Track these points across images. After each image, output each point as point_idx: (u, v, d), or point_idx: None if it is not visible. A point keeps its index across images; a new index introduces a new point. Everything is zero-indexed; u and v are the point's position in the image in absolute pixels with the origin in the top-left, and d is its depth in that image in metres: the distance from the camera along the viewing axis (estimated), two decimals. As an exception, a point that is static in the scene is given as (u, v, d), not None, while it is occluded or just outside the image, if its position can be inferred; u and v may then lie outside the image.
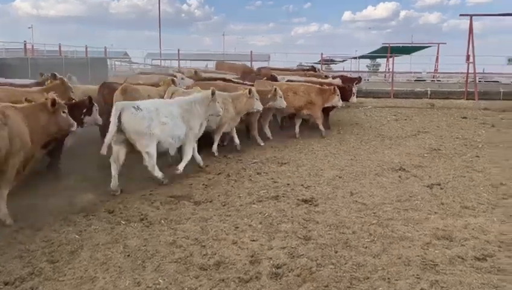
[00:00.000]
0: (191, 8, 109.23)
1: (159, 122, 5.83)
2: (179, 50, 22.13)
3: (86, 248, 4.06)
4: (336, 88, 9.83)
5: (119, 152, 5.68)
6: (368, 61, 49.54)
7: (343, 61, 39.97)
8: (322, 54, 23.60)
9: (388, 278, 3.55)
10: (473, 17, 18.77)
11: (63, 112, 5.17)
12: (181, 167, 6.27)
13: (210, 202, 5.39)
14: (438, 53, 28.45)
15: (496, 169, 7.12)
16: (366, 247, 4.13)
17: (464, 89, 19.09)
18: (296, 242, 4.21)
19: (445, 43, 29.15)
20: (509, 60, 20.58)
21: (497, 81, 23.27)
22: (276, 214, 4.95)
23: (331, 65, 39.84)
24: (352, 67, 36.47)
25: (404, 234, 4.43)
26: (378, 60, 47.36)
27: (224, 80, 10.21)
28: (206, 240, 4.24)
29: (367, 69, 45.29)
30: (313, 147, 8.69)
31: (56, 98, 5.09)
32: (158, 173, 5.90)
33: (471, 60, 18.22)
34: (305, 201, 5.41)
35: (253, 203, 5.33)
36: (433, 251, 4.04)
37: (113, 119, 5.55)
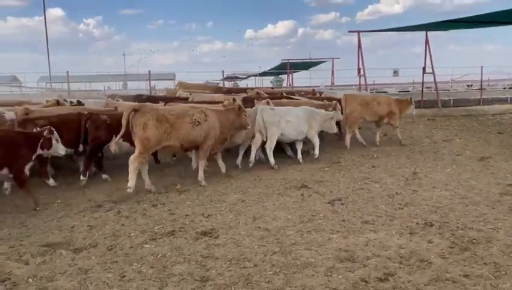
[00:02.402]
0: (89, 28, 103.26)
1: (285, 120, 8.27)
2: (68, 72, 20.41)
3: None
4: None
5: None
6: (271, 77, 51.24)
7: (247, 77, 40.76)
8: (223, 71, 23.62)
9: (292, 317, 3.23)
10: (361, 33, 20.19)
11: (244, 115, 7.49)
12: (316, 151, 8.83)
13: (94, 247, 4.65)
14: (333, 67, 30.29)
15: (390, 178, 7.38)
16: (269, 281, 3.78)
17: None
18: (192, 286, 3.72)
19: (339, 58, 31.11)
20: (394, 72, 22.59)
21: (386, 92, 25.36)
22: (171, 254, 4.40)
23: (237, 81, 40.38)
24: (257, 83, 37.32)
25: (307, 260, 4.18)
26: (281, 76, 49.18)
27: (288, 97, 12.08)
28: (83, 299, 3.55)
29: (271, 85, 46.73)
30: (214, 169, 8.28)
31: (241, 105, 7.67)
32: (271, 158, 8.23)
33: (361, 73, 19.51)
34: (205, 234, 4.93)
35: (146, 243, 4.72)
36: (336, 277, 3.83)
37: (259, 118, 8.09)
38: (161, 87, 29.55)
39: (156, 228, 5.18)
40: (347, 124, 10.39)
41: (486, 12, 13.95)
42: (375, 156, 9.38)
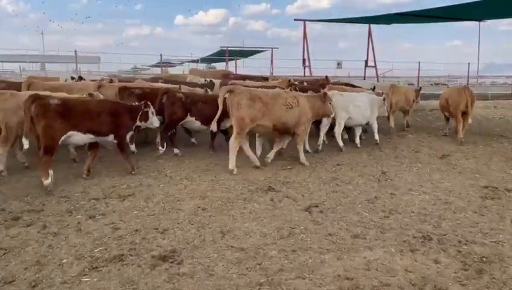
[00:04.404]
0: (2, 3, 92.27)
1: (354, 105, 8.77)
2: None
3: None
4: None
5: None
6: (204, 64, 49.53)
7: (182, 63, 38.94)
8: (161, 55, 21.92)
9: None
10: (295, 26, 19.67)
11: (330, 103, 7.76)
12: (376, 136, 9.49)
13: (11, 282, 3.37)
14: (272, 57, 29.70)
15: (361, 179, 6.75)
16: (264, 332, 2.84)
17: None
18: None
19: (278, 48, 30.57)
20: (338, 64, 22.50)
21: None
22: (122, 291, 3.27)
23: (169, 68, 38.34)
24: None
25: (304, 294, 3.29)
26: (214, 63, 47.70)
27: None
28: None
29: (205, 72, 44.90)
30: (163, 167, 7.10)
31: (327, 93, 8.00)
32: (340, 141, 8.78)
33: (307, 63, 19.04)
34: (164, 258, 3.83)
35: (84, 275, 3.52)
36: (348, 320, 2.98)
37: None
38: (85, 70, 27.11)
39: (96, 250, 3.97)
40: (392, 111, 11.39)
41: (407, 8, 14.17)
42: (335, 152, 8.75)
